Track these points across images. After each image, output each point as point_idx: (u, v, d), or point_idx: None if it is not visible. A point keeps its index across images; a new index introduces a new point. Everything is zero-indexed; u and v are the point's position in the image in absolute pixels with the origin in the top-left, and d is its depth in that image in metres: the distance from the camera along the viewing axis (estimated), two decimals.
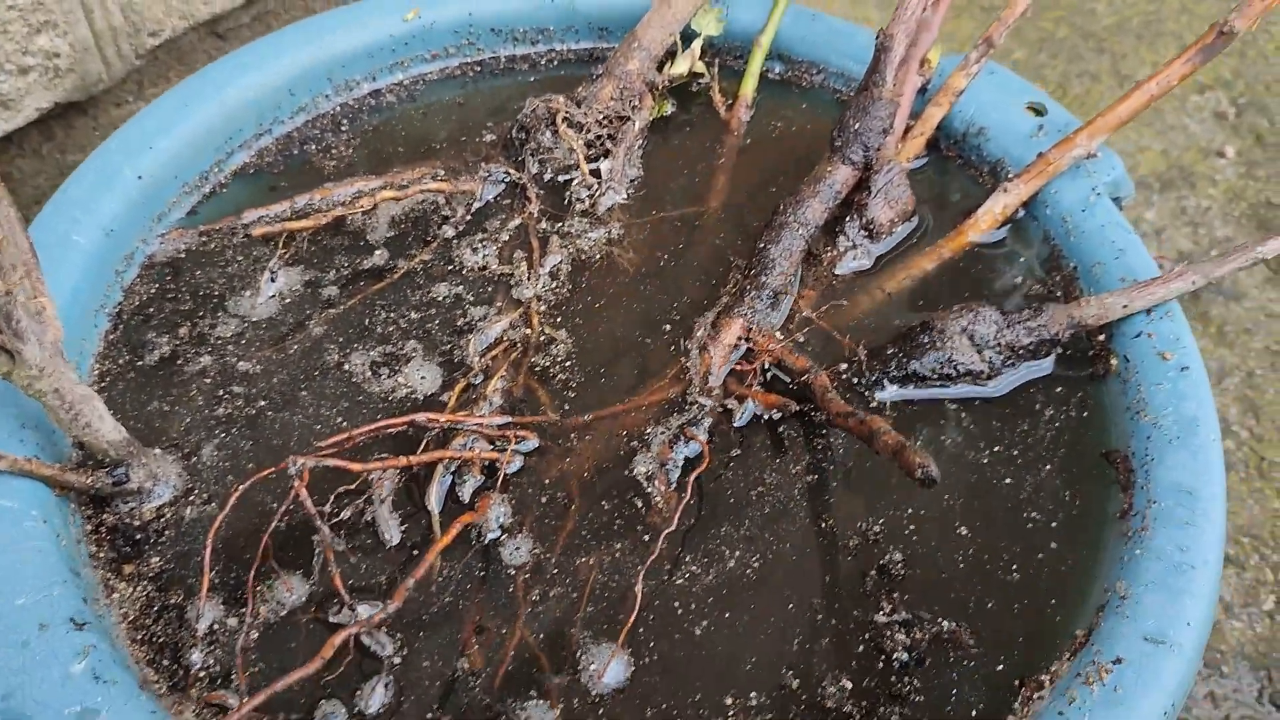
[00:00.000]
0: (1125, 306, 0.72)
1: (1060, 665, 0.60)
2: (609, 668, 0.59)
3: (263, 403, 0.72)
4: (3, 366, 0.58)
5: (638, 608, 0.60)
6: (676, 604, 0.62)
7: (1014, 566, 0.64)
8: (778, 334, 0.73)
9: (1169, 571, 0.60)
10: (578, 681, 0.59)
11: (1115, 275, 0.76)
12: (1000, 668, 0.60)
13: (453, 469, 0.66)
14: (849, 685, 0.59)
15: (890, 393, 0.72)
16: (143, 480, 0.66)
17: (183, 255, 0.80)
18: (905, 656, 0.60)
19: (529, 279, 0.78)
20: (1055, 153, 0.81)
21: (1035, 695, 0.58)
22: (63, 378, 0.60)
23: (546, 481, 0.68)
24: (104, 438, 0.63)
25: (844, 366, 0.72)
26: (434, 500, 0.64)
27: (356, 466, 0.60)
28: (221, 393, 0.72)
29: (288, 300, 0.78)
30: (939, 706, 0.59)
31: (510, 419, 0.68)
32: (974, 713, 0.59)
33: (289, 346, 0.75)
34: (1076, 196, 0.81)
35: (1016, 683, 0.59)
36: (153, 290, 0.78)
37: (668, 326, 0.76)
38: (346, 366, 0.74)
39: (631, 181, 0.86)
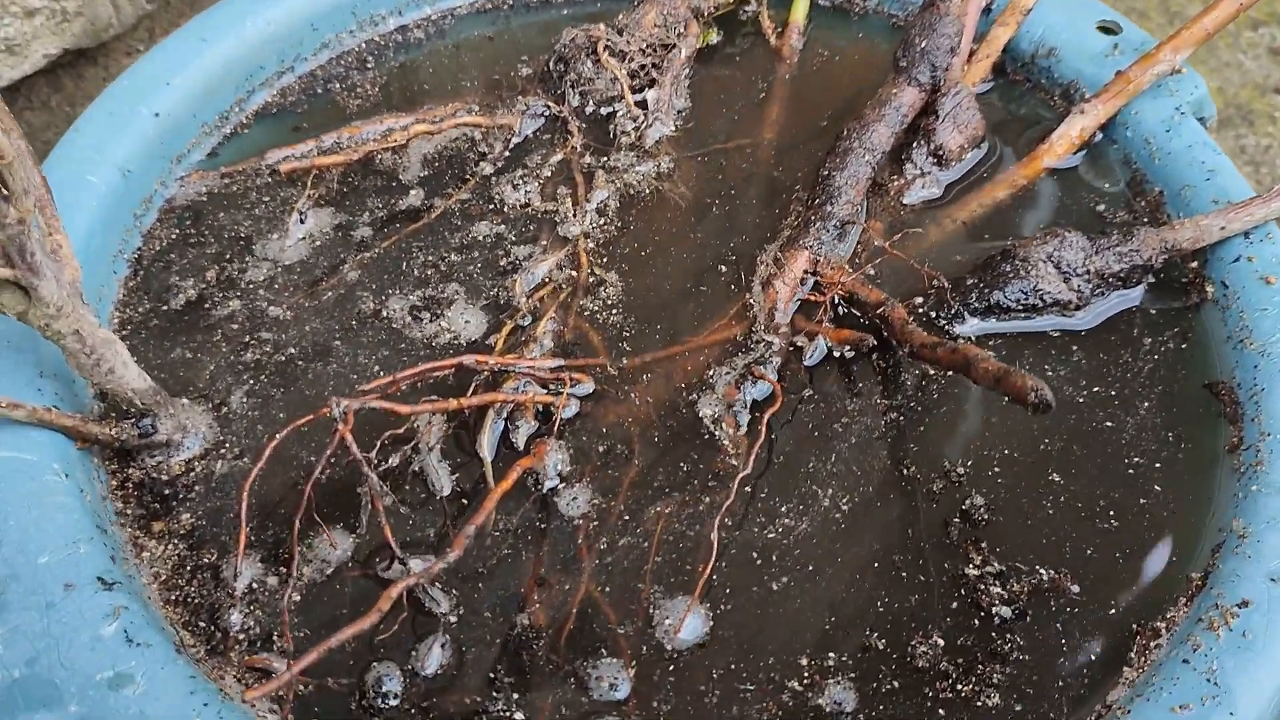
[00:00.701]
0: (1223, 229, 0.67)
1: (1176, 611, 0.55)
2: (685, 622, 0.54)
3: (294, 350, 0.67)
4: (18, 305, 0.53)
5: (714, 557, 0.55)
6: (753, 554, 0.58)
7: (1111, 510, 0.59)
8: (847, 267, 0.67)
9: None
10: (652, 637, 0.54)
11: (1207, 198, 0.70)
12: (1109, 617, 0.55)
13: (505, 414, 0.61)
14: (941, 642, 0.54)
15: (970, 326, 0.67)
16: (170, 432, 0.61)
17: (204, 198, 0.75)
18: (1006, 611, 0.55)
19: (575, 216, 0.72)
20: (1136, 69, 0.75)
21: (1152, 644, 0.53)
22: (82, 319, 0.55)
23: (604, 428, 0.63)
24: (128, 385, 0.58)
25: (918, 300, 0.67)
26: (486, 446, 0.59)
27: (404, 409, 0.55)
28: (250, 339, 0.67)
29: (318, 243, 0.73)
30: (1047, 663, 0.54)
31: (563, 362, 0.63)
32: (1084, 668, 0.54)
33: (322, 292, 0.70)
34: (1159, 117, 0.75)
35: (1133, 628, 0.54)
36: (174, 234, 0.73)
37: (724, 265, 0.71)
38: (384, 312, 0.69)
39: (679, 113, 0.81)
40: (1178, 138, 0.74)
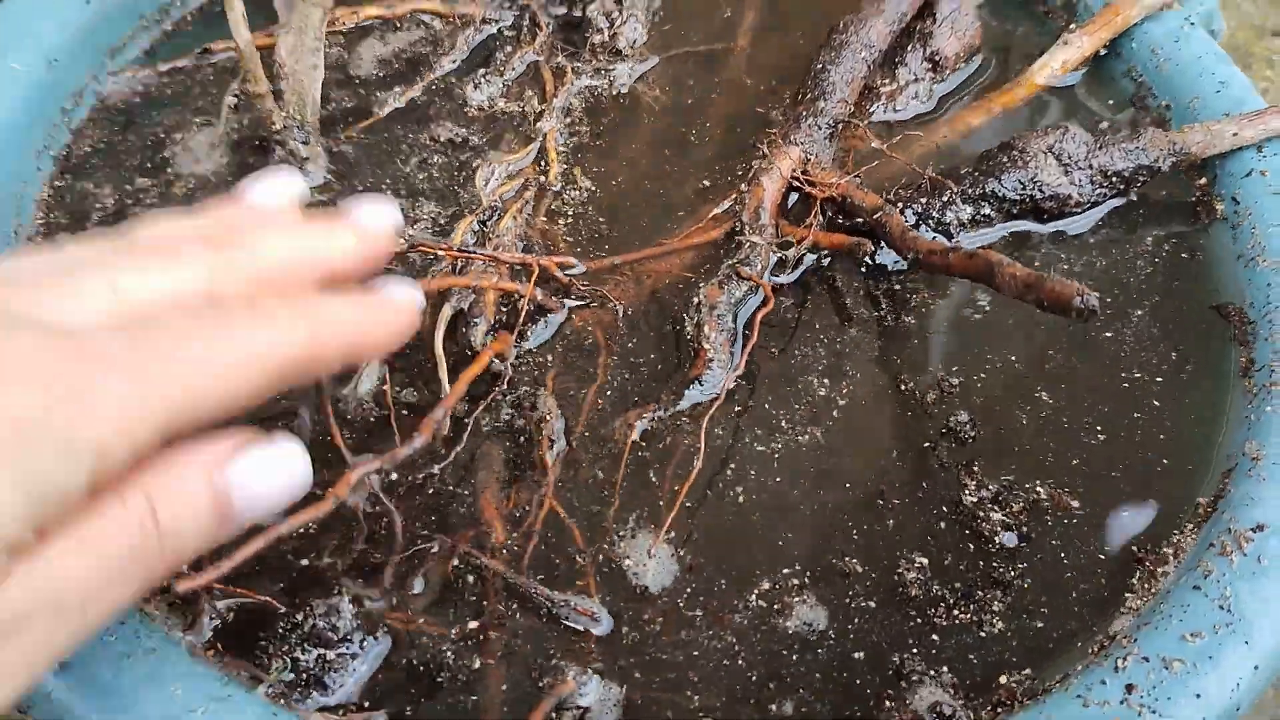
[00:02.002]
0: (1235, 135, 0.62)
1: (1183, 536, 0.50)
2: (656, 550, 0.49)
3: None
4: None
5: (699, 465, 0.50)
6: (732, 469, 0.53)
7: (1110, 431, 0.55)
8: (838, 170, 0.62)
9: None
10: (619, 562, 0.50)
11: (1217, 111, 0.66)
12: (1113, 543, 0.51)
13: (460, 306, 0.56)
14: (934, 567, 0.50)
15: (962, 238, 0.62)
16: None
17: (138, 98, 0.69)
18: (1012, 538, 0.51)
19: (544, 116, 0.67)
20: (1126, 2, 0.71)
21: (1159, 570, 0.49)
22: None
23: (569, 331, 0.58)
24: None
25: (910, 198, 0.62)
26: (439, 343, 0.54)
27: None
28: None
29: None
30: (1049, 590, 0.50)
31: (530, 259, 0.57)
32: (1089, 595, 0.50)
33: None
34: (1167, 27, 0.70)
35: (1137, 554, 0.50)
36: (105, 134, 0.67)
37: (703, 168, 0.66)
38: None
39: (653, 13, 0.75)
40: (1186, 48, 0.69)
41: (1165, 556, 0.50)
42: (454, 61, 0.70)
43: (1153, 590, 0.49)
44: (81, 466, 0.27)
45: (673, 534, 0.50)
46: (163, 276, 0.32)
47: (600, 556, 0.50)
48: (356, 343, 0.36)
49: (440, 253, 0.50)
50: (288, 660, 0.44)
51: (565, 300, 0.58)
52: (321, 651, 0.45)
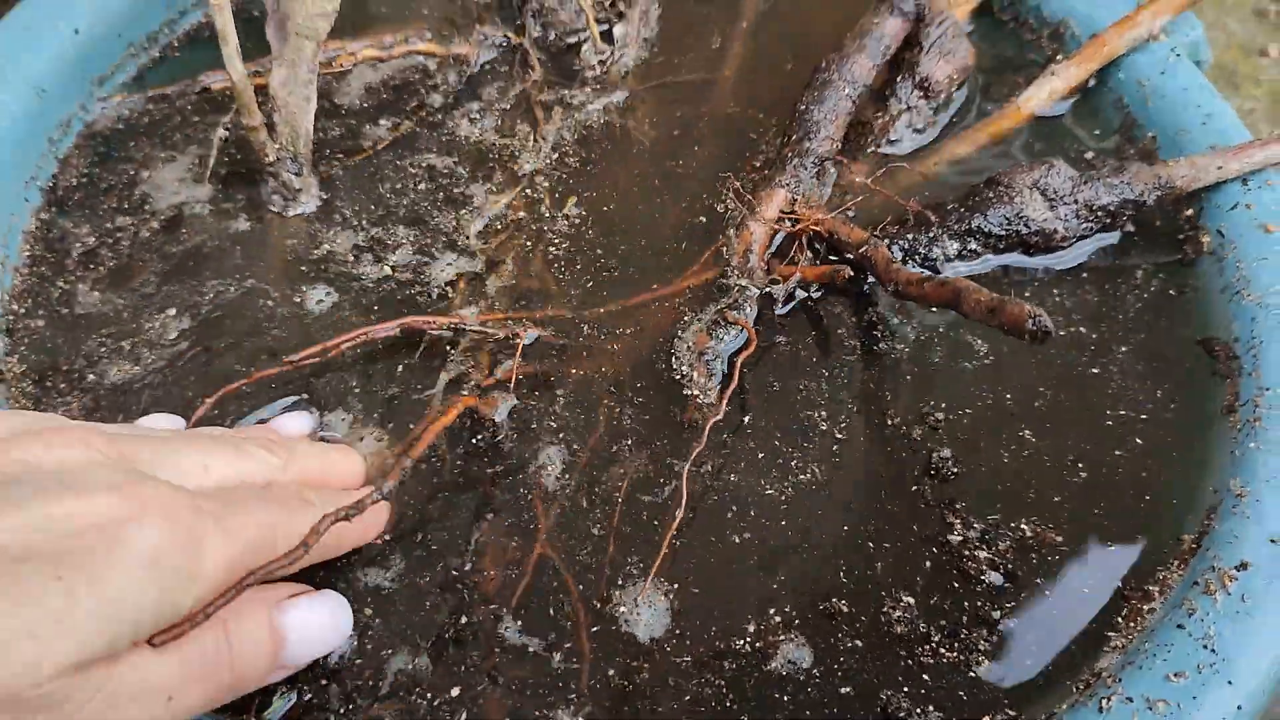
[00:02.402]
0: (1220, 169, 0.63)
1: (1169, 573, 0.51)
2: (647, 595, 0.50)
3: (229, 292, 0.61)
4: None
5: (683, 507, 0.50)
6: (722, 511, 0.53)
7: (1094, 467, 0.55)
8: (824, 207, 0.63)
9: None
10: (611, 607, 0.50)
11: (1203, 143, 0.66)
12: (1098, 580, 0.52)
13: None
14: (919, 606, 0.50)
15: (949, 270, 0.62)
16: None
17: (123, 126, 0.69)
18: (998, 577, 0.51)
19: (532, 152, 0.67)
20: (1113, 33, 0.71)
21: (1145, 607, 0.50)
22: None
23: (566, 381, 0.58)
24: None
25: (897, 233, 0.62)
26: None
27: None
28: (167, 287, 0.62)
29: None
30: (1035, 626, 0.50)
31: (526, 335, 0.58)
32: (1074, 633, 0.50)
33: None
34: (1154, 58, 0.71)
35: (1123, 591, 0.51)
36: (92, 162, 0.67)
37: (694, 208, 0.66)
38: (320, 255, 0.63)
39: (647, 43, 0.75)
40: (1173, 80, 0.70)
41: (1151, 594, 0.50)
42: (446, 96, 0.71)
43: (1138, 628, 0.49)
44: (191, 593, 0.36)
45: (663, 581, 0.50)
46: (240, 465, 0.43)
47: (595, 604, 0.50)
48: (359, 535, 0.49)
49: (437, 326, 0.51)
50: None
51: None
52: None
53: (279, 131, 0.63)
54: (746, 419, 0.57)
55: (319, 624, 0.43)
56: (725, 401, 0.53)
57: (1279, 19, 1.32)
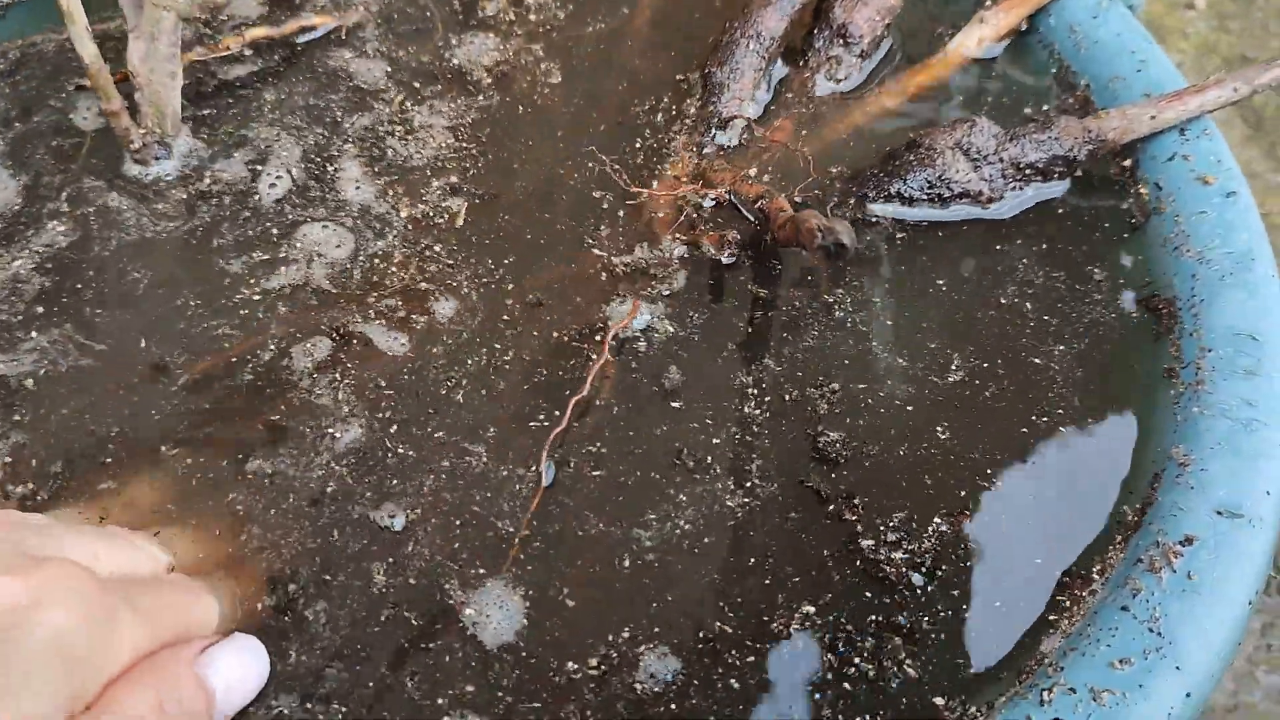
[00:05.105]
0: (1153, 118, 0.59)
1: (1112, 552, 0.47)
2: (496, 602, 0.45)
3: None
4: None
5: (541, 489, 0.46)
6: (584, 502, 0.48)
7: (1034, 439, 0.52)
8: (730, 167, 0.58)
9: (1236, 431, 0.49)
10: (459, 610, 0.45)
11: (1138, 90, 0.63)
12: (1034, 564, 0.48)
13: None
14: (830, 617, 0.46)
15: (881, 209, 0.58)
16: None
17: None
18: (918, 578, 0.47)
19: (428, 112, 0.62)
20: None
21: (1085, 592, 0.46)
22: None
23: (460, 360, 0.53)
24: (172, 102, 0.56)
25: (818, 194, 0.58)
26: None
27: None
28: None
29: None
30: (961, 628, 0.46)
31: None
32: (1009, 624, 0.46)
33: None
34: (1086, 3, 0.67)
35: (1061, 574, 0.47)
36: None
37: (599, 173, 0.61)
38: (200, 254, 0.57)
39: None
40: (1105, 25, 0.66)
41: (1091, 576, 0.47)
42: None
43: (1080, 611, 0.46)
44: (104, 674, 0.35)
45: (518, 583, 0.46)
46: (128, 554, 0.41)
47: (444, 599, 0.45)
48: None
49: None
50: None
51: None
52: None
53: (143, 113, 0.56)
54: (625, 392, 0.52)
55: (241, 666, 0.41)
56: (590, 380, 0.48)
57: None
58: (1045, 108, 0.65)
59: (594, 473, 0.49)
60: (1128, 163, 0.61)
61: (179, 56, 0.56)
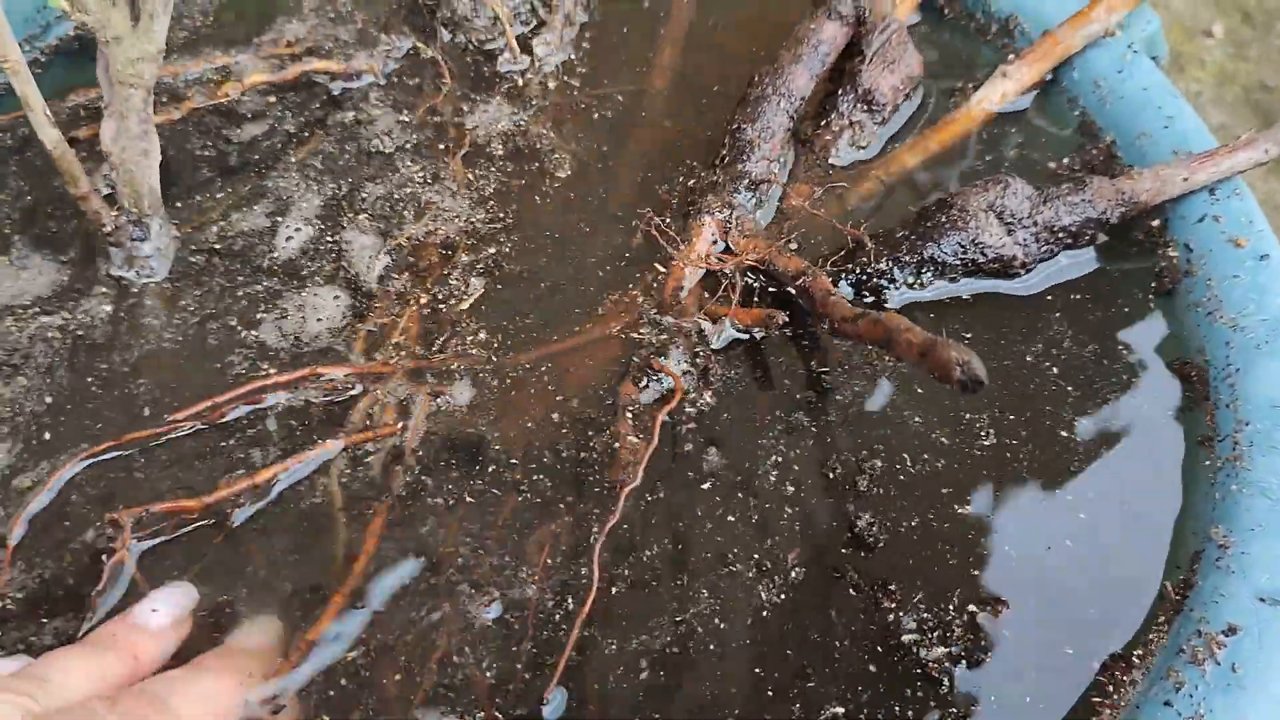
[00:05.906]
0: (1185, 180, 0.59)
1: (1157, 637, 0.46)
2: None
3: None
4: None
5: (594, 588, 0.45)
6: (643, 593, 0.47)
7: (1071, 512, 0.51)
8: (763, 233, 0.57)
9: (1276, 512, 0.47)
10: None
11: (1165, 147, 0.62)
12: (1069, 650, 0.47)
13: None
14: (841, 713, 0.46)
15: (900, 296, 0.57)
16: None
17: None
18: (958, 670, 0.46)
19: (446, 178, 0.61)
20: (1066, 30, 0.67)
21: (1126, 679, 0.45)
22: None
23: (480, 438, 0.52)
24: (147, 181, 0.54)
25: (847, 264, 0.57)
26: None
27: (192, 504, 0.45)
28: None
29: None
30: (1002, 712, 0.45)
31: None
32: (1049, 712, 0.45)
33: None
34: (1110, 56, 0.66)
35: (1098, 662, 0.46)
36: None
37: (620, 237, 0.60)
38: (205, 318, 0.56)
39: (571, 57, 0.69)
40: (1131, 80, 0.65)
41: (1132, 662, 0.46)
42: (350, 113, 0.64)
43: (1121, 702, 0.45)
44: None
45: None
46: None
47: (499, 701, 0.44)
48: None
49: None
50: None
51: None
52: None
53: (119, 193, 0.55)
54: (677, 476, 0.51)
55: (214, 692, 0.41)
56: (643, 466, 0.47)
57: None
58: (1065, 160, 0.64)
59: (627, 573, 0.48)
60: (1156, 223, 0.60)
61: (152, 133, 0.54)
